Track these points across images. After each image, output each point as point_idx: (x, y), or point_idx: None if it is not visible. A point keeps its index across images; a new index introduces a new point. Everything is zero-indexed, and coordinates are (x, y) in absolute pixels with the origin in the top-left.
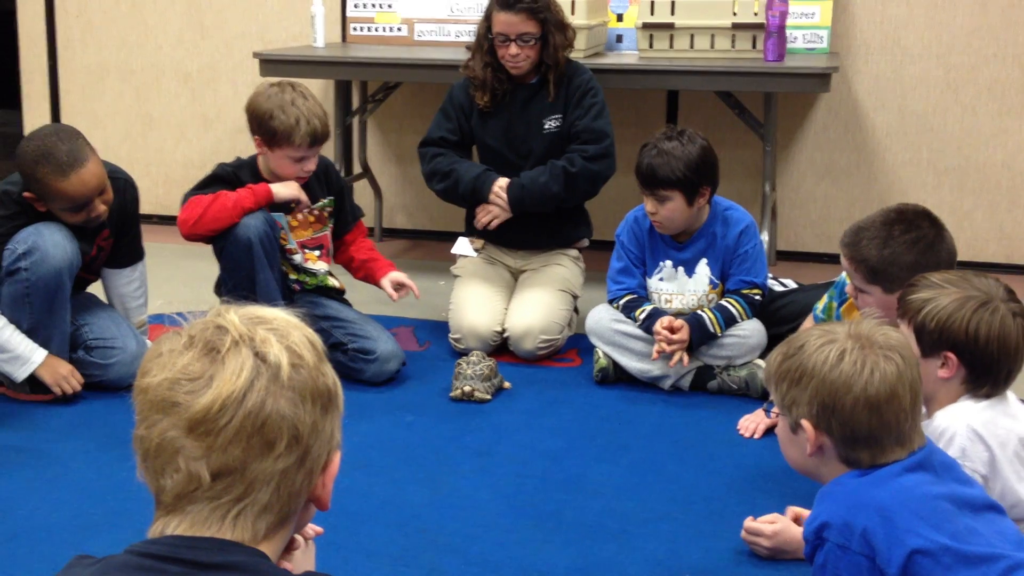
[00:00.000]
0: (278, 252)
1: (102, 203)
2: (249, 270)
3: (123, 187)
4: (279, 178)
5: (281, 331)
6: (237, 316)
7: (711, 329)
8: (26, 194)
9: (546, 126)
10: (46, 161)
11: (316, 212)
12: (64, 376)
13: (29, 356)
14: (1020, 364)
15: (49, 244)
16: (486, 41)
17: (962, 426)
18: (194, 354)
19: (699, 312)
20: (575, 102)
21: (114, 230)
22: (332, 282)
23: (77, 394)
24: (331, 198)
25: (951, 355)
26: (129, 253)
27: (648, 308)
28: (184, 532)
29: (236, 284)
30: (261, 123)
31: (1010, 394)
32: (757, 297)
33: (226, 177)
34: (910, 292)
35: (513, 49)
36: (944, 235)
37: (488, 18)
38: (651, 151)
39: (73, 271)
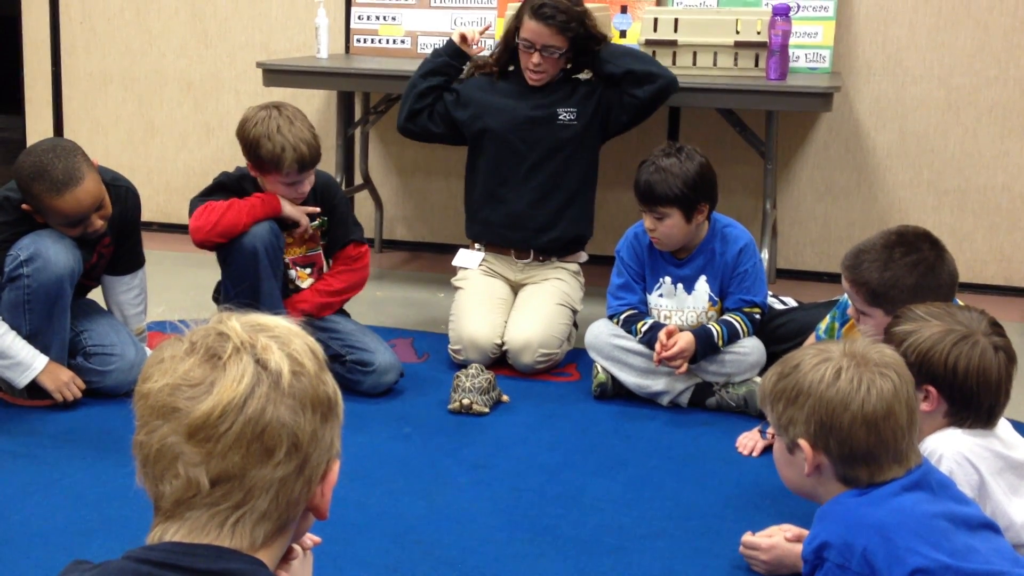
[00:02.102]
0: (282, 262)
1: (99, 218)
2: (254, 279)
3: (124, 195)
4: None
5: (282, 339)
6: (239, 323)
7: (717, 343)
8: (24, 206)
9: (560, 117)
10: (41, 179)
11: (310, 231)
12: (65, 383)
13: (31, 363)
14: (1003, 399)
15: (51, 251)
16: (512, 41)
17: (950, 450)
18: (195, 360)
19: (708, 325)
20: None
21: (115, 237)
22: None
23: (77, 400)
24: (324, 219)
25: (931, 389)
26: (129, 260)
27: (649, 322)
28: (182, 538)
29: (239, 292)
30: (250, 150)
31: (1003, 421)
32: (757, 315)
33: (230, 185)
34: (894, 324)
35: (536, 58)
36: (945, 257)
37: (518, 19)
38: (649, 168)
39: (74, 278)
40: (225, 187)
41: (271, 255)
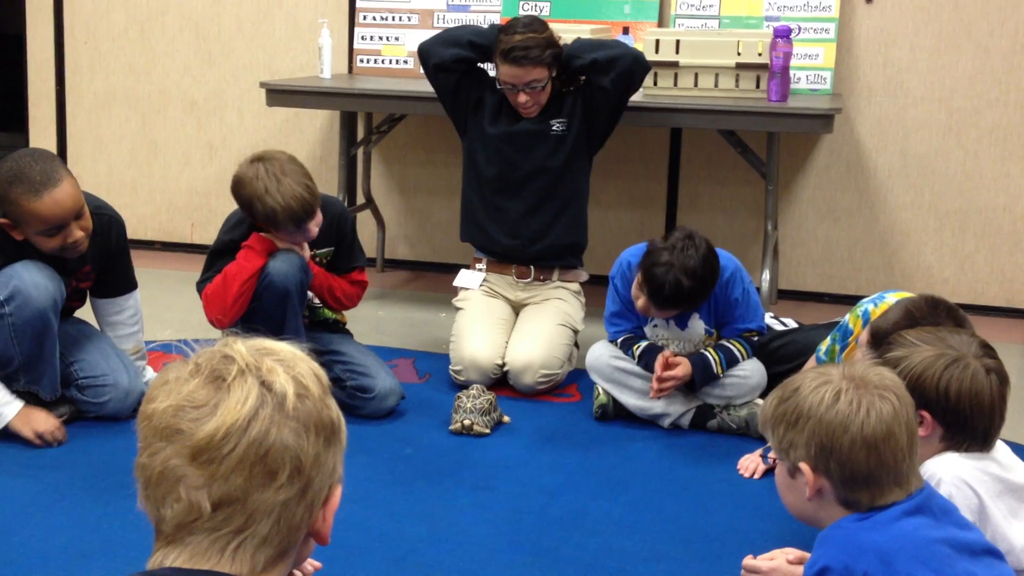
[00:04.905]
0: (306, 296)
1: (79, 229)
2: (280, 319)
3: (108, 223)
4: None
5: (287, 362)
6: (244, 346)
7: (715, 370)
8: (1, 220)
9: (554, 128)
10: (19, 181)
11: (317, 258)
12: (42, 432)
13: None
14: (997, 421)
15: (30, 286)
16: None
17: (948, 474)
18: (200, 381)
19: (704, 352)
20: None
21: (96, 267)
22: (331, 313)
23: (79, 417)
24: (331, 248)
25: (925, 414)
26: (119, 285)
27: (644, 344)
28: (183, 564)
29: (257, 329)
30: (246, 210)
31: (1000, 443)
32: (756, 338)
33: (225, 249)
34: (886, 351)
35: (522, 98)
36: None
37: (494, 63)
38: (669, 278)
39: (58, 308)
40: (221, 253)
41: (300, 294)
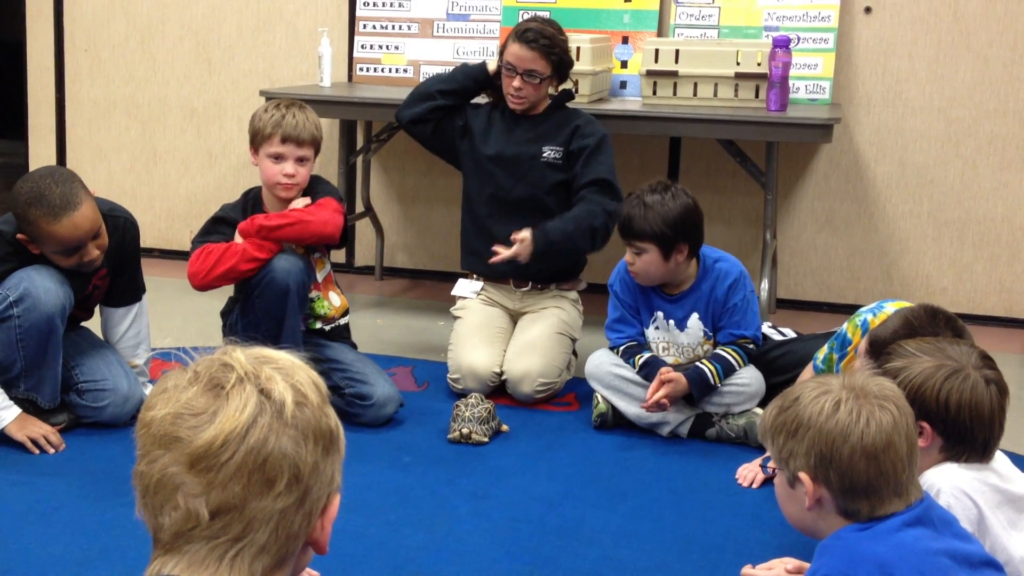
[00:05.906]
0: (307, 299)
1: (96, 248)
2: (279, 316)
3: (123, 225)
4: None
5: (286, 370)
6: (243, 354)
7: (712, 382)
8: (19, 236)
9: (545, 154)
10: (38, 204)
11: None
12: (35, 438)
13: None
14: (997, 432)
15: (40, 290)
16: (498, 72)
17: (947, 484)
18: (198, 389)
19: (700, 365)
20: (581, 155)
21: (111, 269)
22: (325, 308)
23: (79, 424)
24: (309, 200)
25: (925, 424)
26: (127, 292)
27: (646, 355)
28: (181, 572)
29: (257, 326)
30: (250, 129)
31: (999, 454)
32: (750, 347)
33: (228, 219)
34: (886, 361)
35: (517, 83)
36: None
37: (504, 45)
38: (633, 201)
39: (65, 315)
40: (224, 221)
41: (300, 294)
